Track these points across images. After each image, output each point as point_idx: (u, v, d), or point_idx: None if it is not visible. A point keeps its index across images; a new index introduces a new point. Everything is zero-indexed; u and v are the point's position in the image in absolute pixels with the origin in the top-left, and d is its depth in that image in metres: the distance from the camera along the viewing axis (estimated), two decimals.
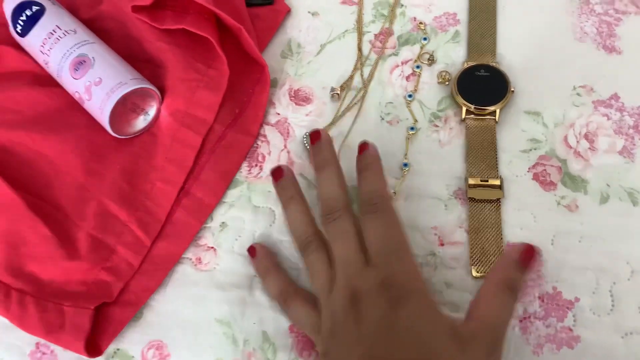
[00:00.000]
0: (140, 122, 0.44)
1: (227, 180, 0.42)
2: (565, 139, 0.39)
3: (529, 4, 0.45)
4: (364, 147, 0.36)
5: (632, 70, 0.41)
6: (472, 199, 0.37)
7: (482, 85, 0.41)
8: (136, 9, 0.44)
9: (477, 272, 0.35)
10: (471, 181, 0.38)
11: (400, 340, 0.27)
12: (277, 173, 0.38)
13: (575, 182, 0.37)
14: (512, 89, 0.41)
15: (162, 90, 0.45)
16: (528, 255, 0.31)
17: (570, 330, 0.33)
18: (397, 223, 0.32)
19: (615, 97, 0.40)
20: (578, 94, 0.41)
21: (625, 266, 0.34)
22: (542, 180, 0.38)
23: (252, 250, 0.38)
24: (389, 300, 0.29)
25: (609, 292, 0.33)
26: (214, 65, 0.45)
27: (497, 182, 0.38)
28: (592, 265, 0.34)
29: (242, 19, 0.47)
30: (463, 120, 0.41)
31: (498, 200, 0.37)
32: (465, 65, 0.42)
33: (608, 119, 0.39)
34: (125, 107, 0.43)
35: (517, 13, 0.45)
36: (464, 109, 0.41)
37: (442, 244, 0.37)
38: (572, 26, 0.43)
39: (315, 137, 0.38)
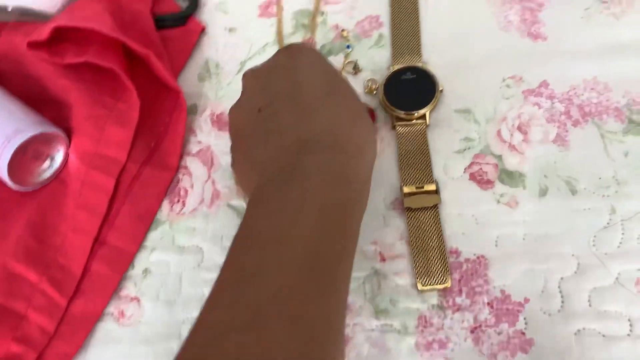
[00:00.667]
0: (46, 170, 0.44)
1: (146, 222, 0.41)
2: (499, 133, 0.41)
3: None
4: None
5: (559, 56, 0.43)
6: (409, 209, 0.38)
7: (410, 89, 0.43)
8: (33, 45, 0.44)
9: (423, 284, 0.36)
10: (406, 189, 0.39)
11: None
12: None
13: (512, 178, 0.39)
14: (441, 89, 0.42)
15: (69, 131, 0.45)
16: None
17: (523, 333, 0.34)
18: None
19: (545, 84, 0.42)
20: (508, 86, 0.42)
21: (571, 259, 0.35)
22: (479, 179, 0.39)
23: None
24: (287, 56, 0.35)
25: (557, 289, 0.34)
26: (123, 98, 0.45)
27: (433, 187, 0.39)
28: (539, 263, 0.35)
29: (151, 43, 0.47)
30: (394, 128, 0.42)
31: (436, 206, 0.38)
32: (391, 70, 0.44)
33: (539, 107, 0.41)
34: (27, 155, 0.42)
35: (439, 9, 0.47)
36: (394, 116, 0.42)
37: (383, 259, 0.38)
38: (495, 16, 0.46)
39: None
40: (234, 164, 0.36)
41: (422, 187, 0.39)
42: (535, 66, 0.43)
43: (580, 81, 0.41)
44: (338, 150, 0.30)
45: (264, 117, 0.33)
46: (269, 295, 0.24)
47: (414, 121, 0.42)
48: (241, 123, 0.36)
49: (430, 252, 0.37)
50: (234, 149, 0.37)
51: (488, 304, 0.35)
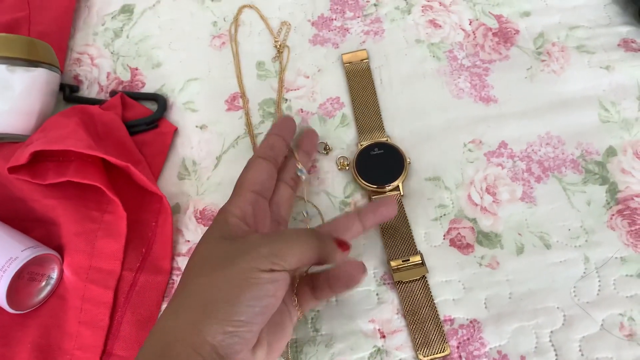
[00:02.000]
0: (43, 289, 0.43)
1: (149, 328, 0.41)
2: (470, 197, 0.42)
3: (402, 73, 0.49)
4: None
5: (512, 116, 0.45)
6: (399, 282, 0.39)
7: (380, 164, 0.44)
8: (13, 169, 0.44)
9: (424, 355, 0.37)
10: (393, 264, 0.40)
11: None
12: None
13: (489, 239, 0.40)
14: (408, 160, 0.44)
15: (60, 248, 0.44)
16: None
17: None
18: None
19: (504, 144, 0.44)
20: (470, 150, 0.44)
21: (557, 311, 0.36)
22: (459, 244, 0.40)
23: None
24: None
25: (549, 343, 0.35)
26: (109, 209, 0.45)
27: (418, 259, 0.40)
28: (527, 319, 0.37)
29: (128, 151, 0.48)
30: (371, 201, 0.43)
31: (424, 277, 0.39)
32: (359, 147, 0.45)
33: (502, 168, 0.43)
34: (23, 279, 0.42)
35: (394, 85, 0.49)
36: (369, 190, 0.43)
37: (383, 336, 0.38)
38: (447, 85, 0.48)
39: None
40: None
41: (408, 260, 0.40)
42: (492, 129, 0.45)
43: (536, 137, 0.44)
44: None
45: None
46: None
47: (389, 193, 0.43)
48: None
49: (425, 323, 0.38)
50: None
51: None
